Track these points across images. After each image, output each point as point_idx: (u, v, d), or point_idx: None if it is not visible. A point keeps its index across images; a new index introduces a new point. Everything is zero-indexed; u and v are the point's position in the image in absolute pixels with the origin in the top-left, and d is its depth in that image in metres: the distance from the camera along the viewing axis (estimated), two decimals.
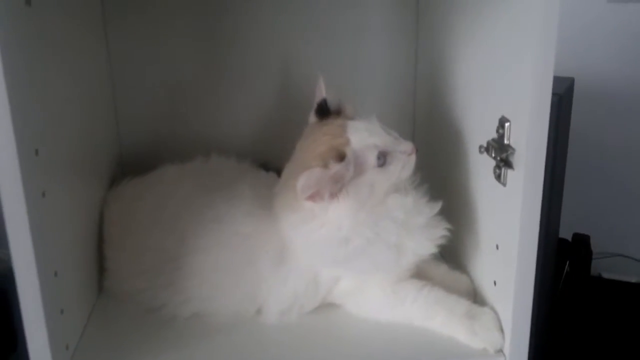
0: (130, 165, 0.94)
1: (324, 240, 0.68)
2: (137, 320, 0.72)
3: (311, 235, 0.68)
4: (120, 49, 0.92)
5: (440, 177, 0.81)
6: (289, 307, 0.72)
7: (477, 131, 0.72)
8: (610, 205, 1.86)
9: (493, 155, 0.64)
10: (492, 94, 0.67)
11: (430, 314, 0.70)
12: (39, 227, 0.56)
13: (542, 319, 1.26)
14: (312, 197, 0.64)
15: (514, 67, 0.61)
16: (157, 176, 0.85)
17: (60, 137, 0.66)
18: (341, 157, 0.66)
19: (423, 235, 0.71)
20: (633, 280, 1.85)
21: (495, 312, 0.68)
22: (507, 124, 0.62)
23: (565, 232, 1.59)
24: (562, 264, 1.61)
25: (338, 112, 0.73)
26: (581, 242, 1.67)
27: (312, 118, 0.74)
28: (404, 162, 0.69)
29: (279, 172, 0.74)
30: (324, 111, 0.73)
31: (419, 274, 0.74)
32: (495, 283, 0.69)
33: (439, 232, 0.72)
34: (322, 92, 0.74)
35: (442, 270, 0.77)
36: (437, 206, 0.72)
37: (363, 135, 0.68)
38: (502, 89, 0.64)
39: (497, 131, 0.63)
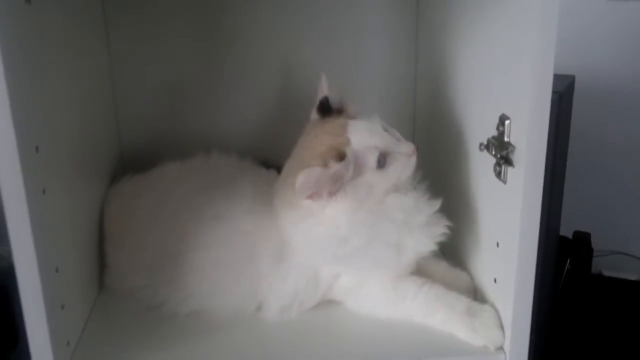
0: (131, 162, 0.94)
1: (323, 238, 0.68)
2: (137, 317, 0.73)
3: (310, 233, 0.68)
4: (120, 47, 0.92)
5: (440, 175, 0.81)
6: (289, 303, 0.72)
7: (478, 129, 0.72)
8: (610, 203, 1.86)
9: (493, 152, 0.64)
10: (493, 92, 0.67)
11: (431, 311, 0.70)
12: (39, 224, 0.56)
13: (543, 316, 1.26)
14: (310, 196, 0.64)
15: (514, 65, 0.61)
16: (158, 173, 0.85)
17: (61, 135, 0.66)
18: (341, 157, 0.66)
19: (423, 233, 0.71)
20: (633, 278, 1.85)
21: (496, 310, 0.68)
22: (507, 122, 0.62)
23: (566, 230, 1.59)
24: (563, 261, 1.61)
25: (340, 111, 0.73)
26: (582, 240, 1.67)
27: (314, 115, 0.74)
28: (404, 163, 0.69)
29: (279, 169, 0.74)
30: (325, 109, 0.73)
31: (419, 271, 0.75)
32: (495, 280, 0.69)
33: (439, 229, 0.72)
34: (324, 89, 0.73)
35: (442, 267, 0.77)
36: (437, 204, 0.72)
37: (364, 136, 0.68)
38: (503, 87, 0.64)
39: (498, 129, 0.63)
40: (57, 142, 0.64)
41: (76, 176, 0.72)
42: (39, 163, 0.58)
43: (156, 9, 0.92)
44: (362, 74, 0.98)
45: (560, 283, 1.57)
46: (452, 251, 0.80)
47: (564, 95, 1.10)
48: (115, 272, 0.78)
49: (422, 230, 0.71)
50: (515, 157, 0.61)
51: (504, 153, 0.62)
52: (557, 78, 0.57)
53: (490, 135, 0.65)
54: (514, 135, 0.61)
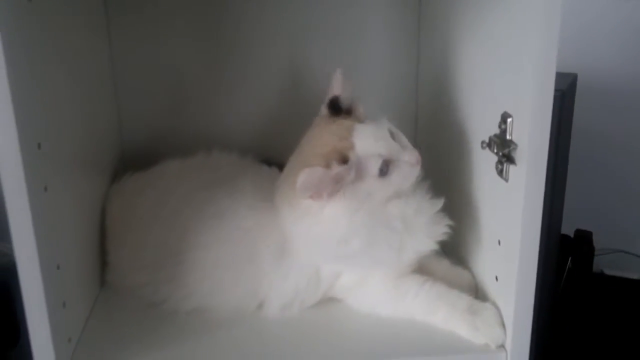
0: (132, 160, 0.94)
1: (322, 237, 0.68)
2: (138, 315, 0.73)
3: (310, 232, 0.68)
4: (122, 46, 0.92)
5: (442, 173, 0.81)
6: (291, 301, 0.72)
7: (479, 127, 0.72)
8: (613, 202, 1.86)
9: (495, 150, 0.64)
10: (495, 90, 0.67)
11: (432, 309, 0.70)
12: (41, 221, 0.56)
13: (544, 315, 1.26)
14: (311, 196, 0.64)
15: (516, 63, 0.61)
16: (159, 171, 0.85)
17: (63, 132, 0.66)
18: (344, 161, 0.66)
19: (424, 232, 0.71)
20: (635, 277, 1.84)
21: (497, 308, 0.68)
22: (509, 120, 0.62)
23: (568, 229, 1.59)
24: (564, 260, 1.60)
25: (349, 111, 0.73)
26: (583, 239, 1.67)
27: (324, 110, 0.74)
28: (407, 172, 0.69)
29: (280, 167, 0.74)
30: (335, 109, 0.72)
31: (421, 269, 0.74)
32: (497, 278, 0.69)
33: (441, 229, 0.72)
34: (337, 88, 0.72)
35: (444, 265, 0.77)
36: (439, 203, 0.72)
37: (369, 142, 0.68)
38: (505, 85, 0.64)
39: (500, 127, 0.63)
40: (59, 140, 0.64)
41: (78, 174, 0.72)
42: (41, 160, 0.58)
43: (158, 7, 0.92)
44: (364, 73, 0.98)
45: (561, 281, 1.57)
46: (454, 249, 0.80)
47: (566, 94, 1.09)
48: (117, 269, 0.78)
49: (424, 229, 0.71)
50: (517, 155, 0.61)
51: (506, 151, 0.62)
52: (559, 76, 0.57)
53: (492, 133, 0.65)
54: (516, 133, 0.61)
